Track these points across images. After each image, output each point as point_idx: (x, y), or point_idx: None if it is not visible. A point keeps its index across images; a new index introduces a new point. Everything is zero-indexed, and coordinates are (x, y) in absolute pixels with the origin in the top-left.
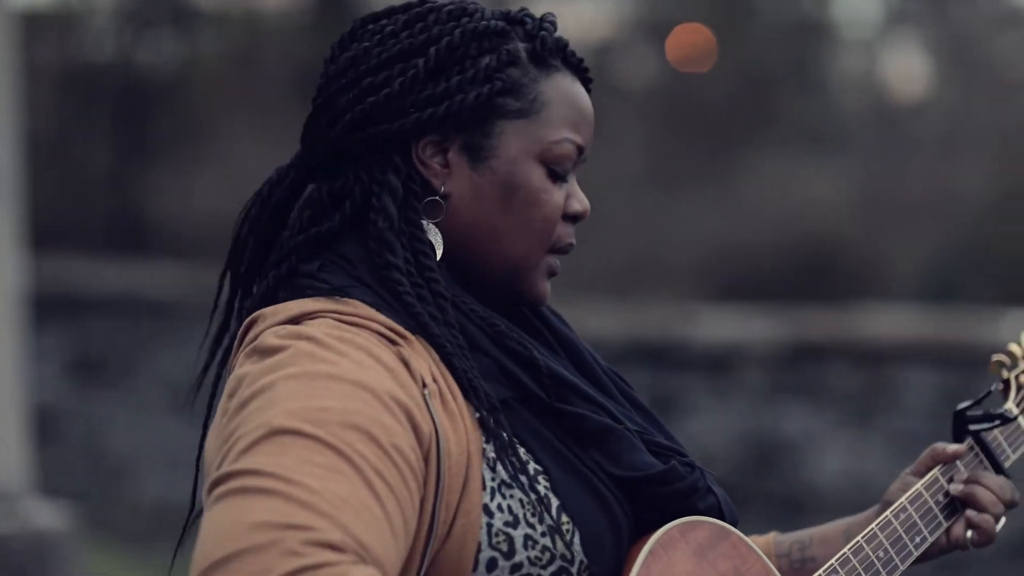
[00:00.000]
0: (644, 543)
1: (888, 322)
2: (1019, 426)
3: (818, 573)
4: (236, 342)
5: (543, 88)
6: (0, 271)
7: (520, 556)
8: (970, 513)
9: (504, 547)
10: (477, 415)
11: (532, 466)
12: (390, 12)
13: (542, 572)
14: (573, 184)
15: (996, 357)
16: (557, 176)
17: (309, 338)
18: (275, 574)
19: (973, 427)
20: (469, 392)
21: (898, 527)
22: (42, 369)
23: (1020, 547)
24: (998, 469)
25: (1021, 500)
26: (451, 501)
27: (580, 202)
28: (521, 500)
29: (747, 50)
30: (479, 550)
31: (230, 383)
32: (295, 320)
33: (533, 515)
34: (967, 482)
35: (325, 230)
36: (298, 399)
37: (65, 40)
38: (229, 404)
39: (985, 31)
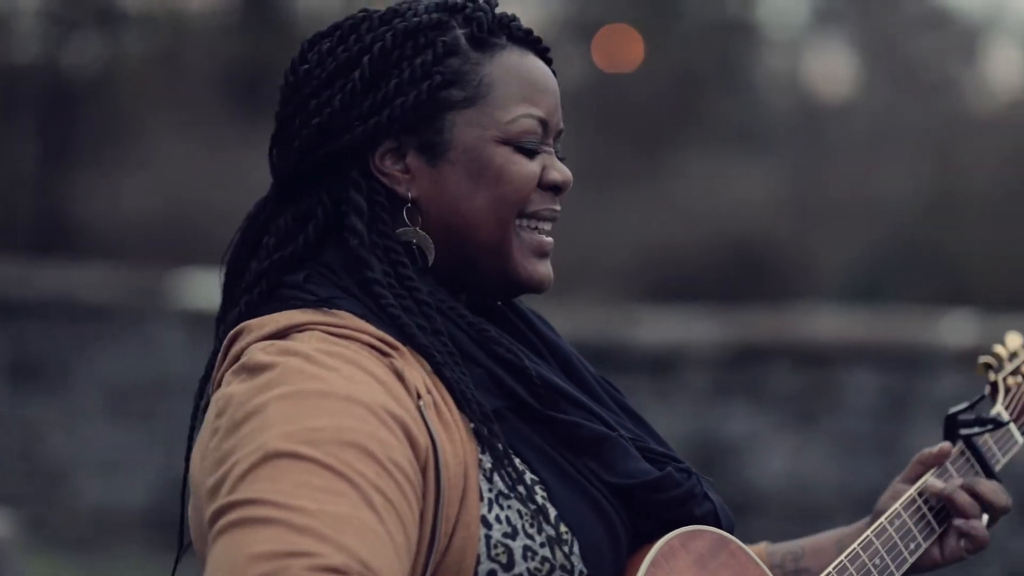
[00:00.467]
0: (644, 553)
1: (830, 323)
2: (1009, 430)
3: None
4: (220, 355)
5: (488, 70)
6: None
7: (520, 567)
8: (957, 522)
9: (503, 559)
10: (472, 426)
11: (529, 476)
12: (333, 29)
13: None
14: (551, 157)
15: (983, 359)
16: (526, 151)
17: (298, 354)
18: None
19: (964, 432)
20: (463, 403)
21: (893, 534)
22: None
23: None
24: (989, 473)
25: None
26: (450, 514)
27: (560, 172)
28: (519, 511)
29: (674, 51)
30: (478, 562)
31: (217, 401)
32: (282, 333)
33: (532, 526)
34: (950, 487)
35: (289, 254)
36: (292, 420)
37: None
38: (219, 423)
39: (909, 31)
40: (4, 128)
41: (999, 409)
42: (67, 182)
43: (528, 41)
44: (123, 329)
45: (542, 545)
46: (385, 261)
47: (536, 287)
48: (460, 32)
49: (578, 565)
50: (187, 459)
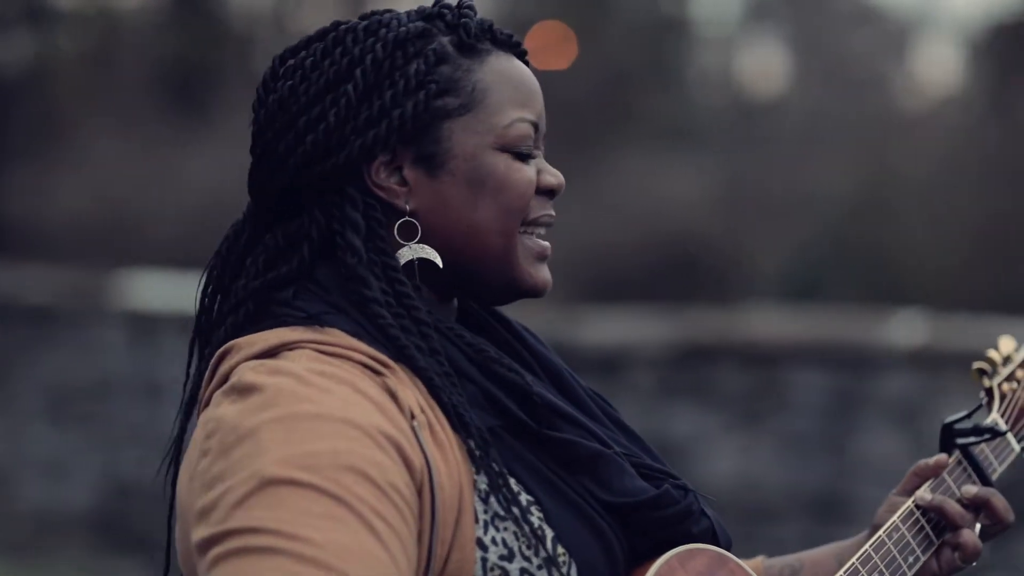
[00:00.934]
0: (642, 574)
1: (776, 323)
2: (1005, 438)
3: None
4: (207, 372)
5: (479, 76)
6: None
7: None
8: (948, 536)
9: None
10: (466, 445)
11: (524, 497)
12: (308, 43)
13: None
14: (542, 160)
15: (977, 365)
16: (522, 156)
17: (289, 374)
18: None
19: (960, 441)
20: (459, 427)
21: (892, 547)
22: None
23: None
24: (986, 483)
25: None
26: (445, 536)
27: (554, 175)
28: (515, 533)
29: (607, 47)
30: None
31: (207, 422)
32: (272, 352)
33: (528, 548)
34: (938, 497)
35: (283, 274)
36: (286, 444)
37: None
38: (208, 445)
39: (840, 28)
40: None
41: (995, 416)
42: (0, 182)
43: (510, 45)
44: (64, 331)
45: (539, 567)
46: (383, 279)
47: (539, 292)
48: (445, 39)
49: None
50: (173, 483)
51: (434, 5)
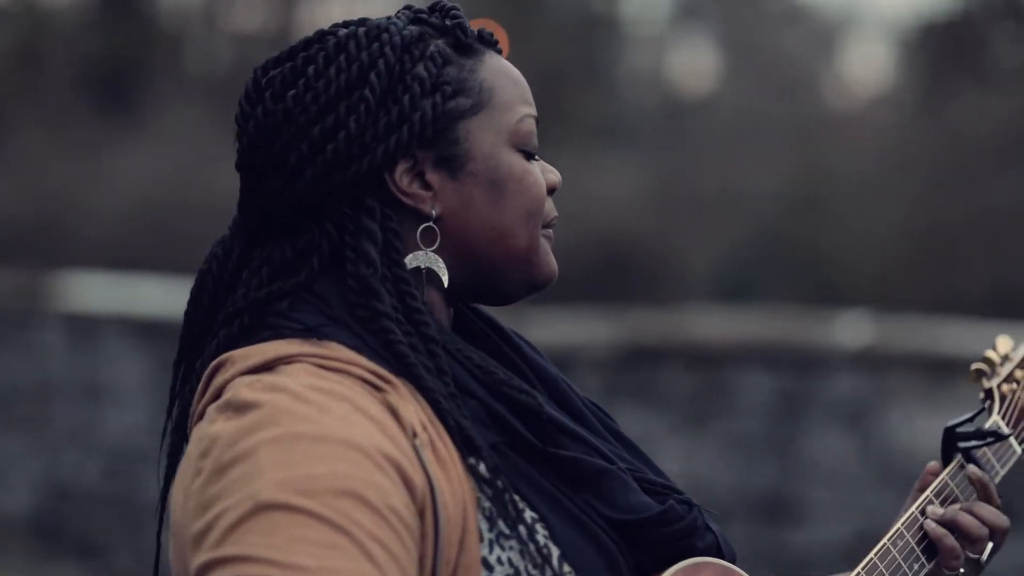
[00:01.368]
0: None
1: (721, 324)
2: (1006, 440)
3: None
4: (200, 386)
5: (483, 75)
6: None
7: None
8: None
9: None
10: (470, 462)
11: (529, 514)
12: (293, 52)
13: None
14: (540, 159)
15: (975, 366)
16: (530, 155)
17: (287, 391)
18: None
19: (963, 445)
20: (465, 450)
21: (896, 555)
22: None
23: None
24: None
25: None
26: (450, 557)
27: (554, 173)
28: (521, 551)
29: (537, 46)
30: None
31: (200, 439)
32: (268, 365)
33: (535, 567)
34: (942, 521)
35: (290, 285)
36: (283, 466)
37: None
38: (203, 464)
39: (769, 28)
40: None
41: (995, 419)
42: None
43: (492, 43)
44: (2, 333)
45: None
46: (394, 294)
47: (551, 282)
48: (439, 42)
49: None
50: (162, 497)
51: (416, 10)
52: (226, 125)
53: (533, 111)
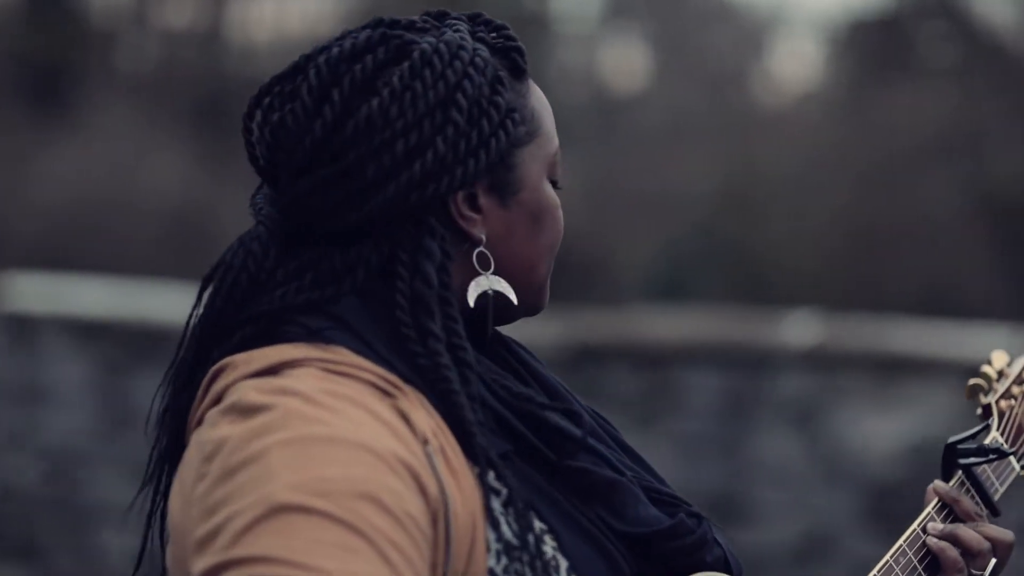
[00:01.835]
0: None
1: (668, 324)
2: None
3: None
4: (200, 391)
5: (531, 102)
6: None
7: None
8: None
9: None
10: (477, 471)
11: (538, 525)
12: (358, 52)
13: None
14: None
15: (972, 381)
16: (556, 186)
17: (297, 394)
18: None
19: (963, 462)
20: (475, 459)
21: (899, 572)
22: None
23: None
24: (988, 504)
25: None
26: (458, 568)
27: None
28: (528, 563)
29: None
30: None
31: (203, 443)
32: (273, 369)
33: None
34: (942, 535)
35: (331, 294)
36: (297, 469)
37: None
38: (208, 468)
39: (698, 25)
40: None
41: (995, 435)
42: None
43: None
44: None
45: None
46: (441, 315)
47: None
48: (495, 61)
49: None
50: (153, 500)
51: (470, 24)
52: (159, 122)
53: (557, 140)
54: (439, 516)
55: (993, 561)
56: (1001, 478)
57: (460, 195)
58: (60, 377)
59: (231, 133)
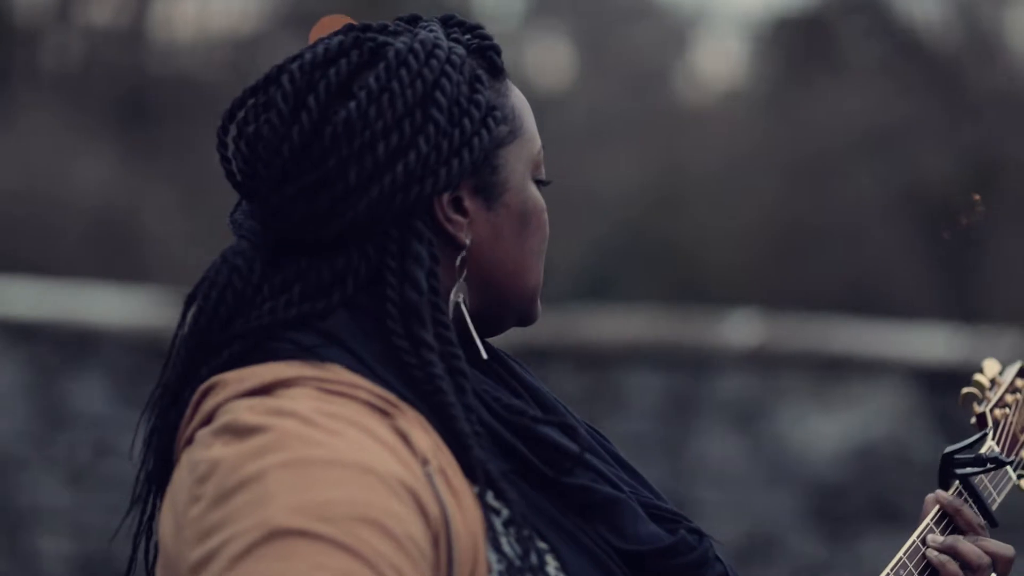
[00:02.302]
0: None
1: (610, 324)
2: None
3: None
4: (189, 409)
5: (512, 101)
6: None
7: None
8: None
9: None
10: (476, 490)
11: (540, 544)
12: (333, 55)
13: None
14: None
15: (965, 390)
16: (542, 184)
17: (294, 415)
18: None
19: (960, 472)
20: (476, 479)
21: None
22: None
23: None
24: (986, 514)
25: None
26: None
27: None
28: None
29: None
30: None
31: (196, 464)
32: (267, 389)
33: None
34: (942, 549)
35: (322, 307)
36: (296, 492)
37: None
38: (201, 490)
39: (622, 23)
40: None
41: (990, 444)
42: None
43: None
44: None
45: None
46: (432, 323)
47: (535, 321)
48: (472, 62)
49: None
50: (140, 520)
51: (444, 25)
52: (83, 120)
53: (539, 139)
54: (441, 538)
55: None
56: (998, 488)
57: (445, 198)
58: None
59: (155, 131)
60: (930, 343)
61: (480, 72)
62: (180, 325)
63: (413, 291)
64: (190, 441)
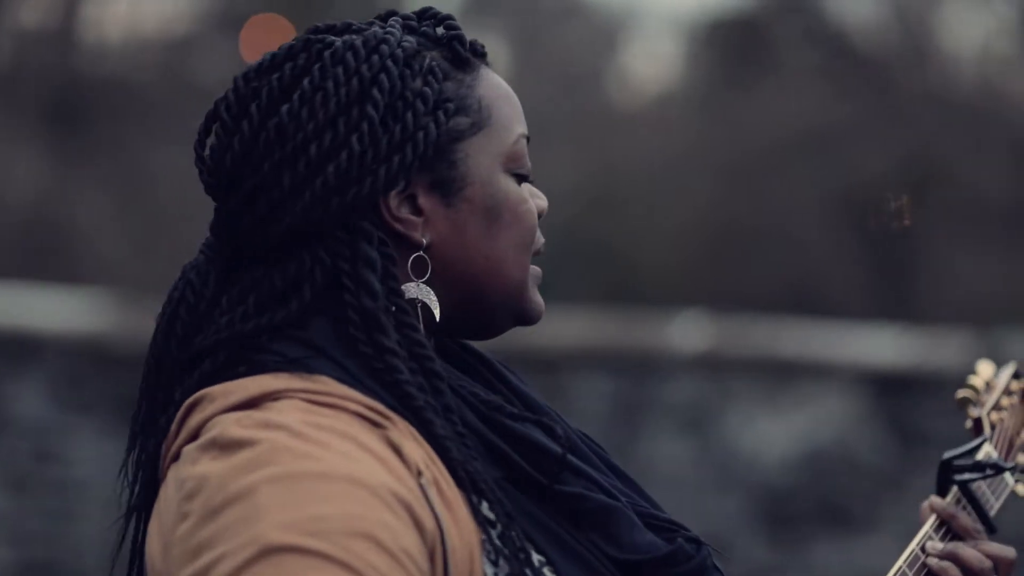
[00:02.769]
0: None
1: (558, 327)
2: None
3: None
4: (174, 425)
5: (481, 92)
6: None
7: None
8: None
9: None
10: (471, 502)
11: (536, 558)
12: (277, 61)
13: None
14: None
15: (960, 394)
16: (523, 177)
17: (282, 428)
18: None
19: (958, 477)
20: (470, 490)
21: None
22: None
23: None
24: (984, 520)
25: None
26: None
27: (542, 198)
28: None
29: None
30: None
31: (183, 481)
32: (253, 402)
33: None
34: (943, 555)
35: (280, 318)
36: (288, 507)
37: None
38: (189, 507)
39: (553, 22)
40: None
41: (988, 449)
42: None
43: (484, 55)
44: None
45: None
46: (396, 328)
47: (538, 319)
48: (435, 53)
49: None
50: (123, 535)
51: (405, 17)
52: (11, 123)
53: (526, 129)
54: (436, 551)
55: None
56: (997, 493)
57: (394, 196)
58: None
59: (87, 132)
60: (877, 346)
61: (439, 64)
62: (152, 343)
63: (368, 298)
64: (176, 458)
